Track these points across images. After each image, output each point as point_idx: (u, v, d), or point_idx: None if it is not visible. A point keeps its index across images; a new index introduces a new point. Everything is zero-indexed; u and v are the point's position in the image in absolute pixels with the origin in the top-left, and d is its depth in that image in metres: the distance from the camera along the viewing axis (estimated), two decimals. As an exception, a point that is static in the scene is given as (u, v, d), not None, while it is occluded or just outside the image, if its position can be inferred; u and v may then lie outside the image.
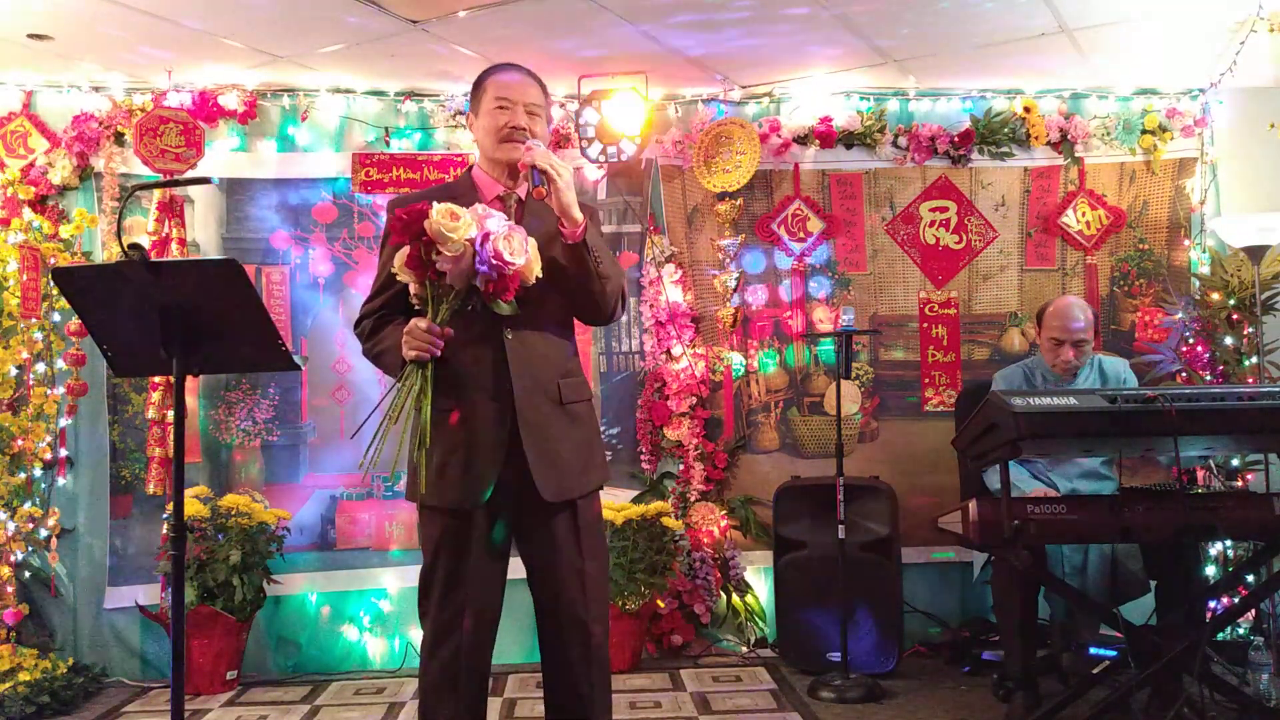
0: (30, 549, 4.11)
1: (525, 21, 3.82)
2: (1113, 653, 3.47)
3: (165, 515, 4.16)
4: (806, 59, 4.34)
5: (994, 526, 3.01)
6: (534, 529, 2.41)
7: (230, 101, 4.38)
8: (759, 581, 4.57)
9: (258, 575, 4.07)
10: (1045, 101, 4.67)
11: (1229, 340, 4.27)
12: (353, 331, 2.53)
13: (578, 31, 3.97)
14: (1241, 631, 4.04)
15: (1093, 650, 3.59)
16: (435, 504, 2.37)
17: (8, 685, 3.72)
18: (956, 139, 4.60)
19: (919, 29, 4.02)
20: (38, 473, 4.17)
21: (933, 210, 4.68)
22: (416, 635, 3.06)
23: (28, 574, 4.15)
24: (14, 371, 4.09)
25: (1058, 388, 3.55)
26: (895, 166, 4.68)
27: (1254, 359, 4.19)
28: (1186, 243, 4.64)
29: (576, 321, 2.54)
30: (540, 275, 2.25)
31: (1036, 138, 4.62)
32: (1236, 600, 3.55)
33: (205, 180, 2.95)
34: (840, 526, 3.87)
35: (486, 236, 2.13)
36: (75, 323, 4.08)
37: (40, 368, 4.17)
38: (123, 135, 4.30)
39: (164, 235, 4.23)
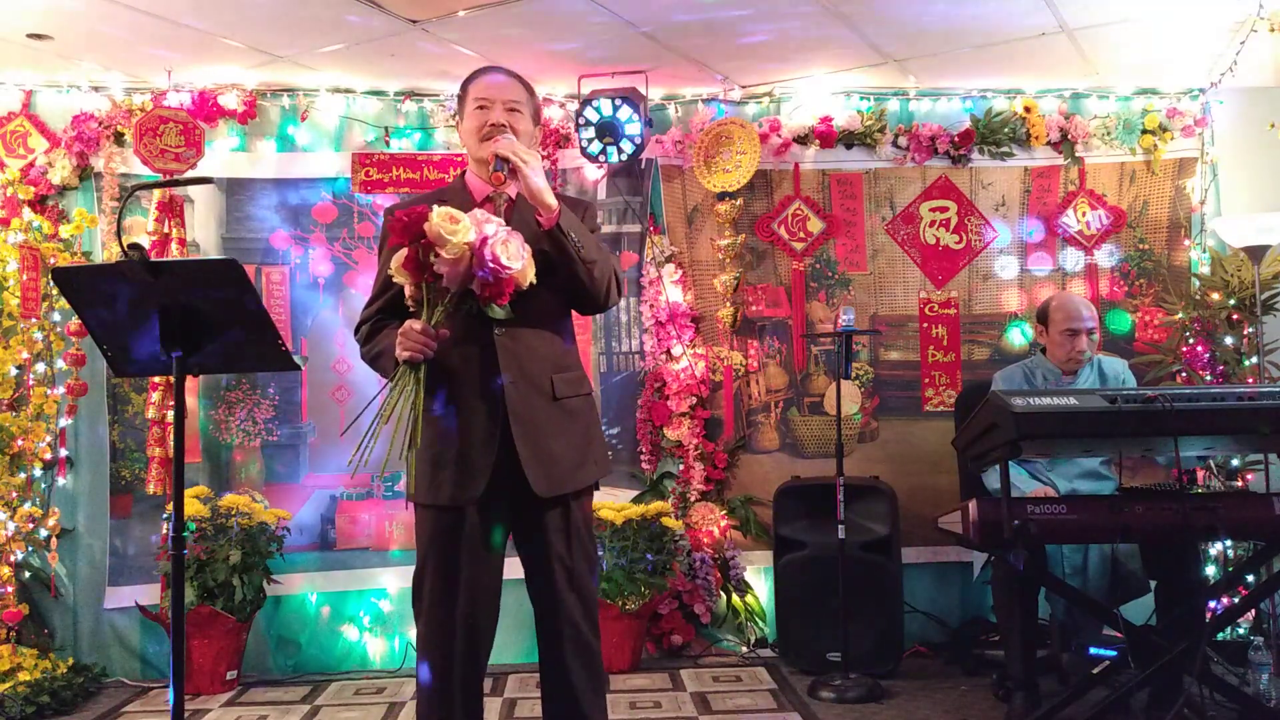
0: (30, 549, 4.11)
1: (525, 21, 3.82)
2: (1113, 653, 3.46)
3: (165, 515, 4.16)
4: (807, 59, 4.34)
5: (994, 526, 3.00)
6: (528, 526, 2.42)
7: (230, 101, 4.38)
8: (759, 581, 4.57)
9: (258, 575, 4.06)
10: (1045, 101, 4.67)
11: (1229, 340, 4.27)
12: (353, 335, 2.55)
13: (577, 31, 3.97)
14: (1241, 631, 4.04)
15: (1093, 650, 3.58)
16: (429, 502, 2.38)
17: (8, 685, 3.72)
18: (957, 139, 4.60)
19: (919, 28, 4.02)
20: (38, 473, 4.17)
21: (933, 210, 4.68)
22: (415, 635, 3.06)
23: (28, 574, 4.15)
24: (14, 371, 4.10)
25: (1058, 387, 3.55)
26: (895, 166, 4.68)
27: (1254, 359, 4.19)
28: (1186, 243, 4.64)
29: (576, 319, 2.55)
30: (534, 280, 2.26)
31: (1037, 137, 4.62)
32: (1236, 600, 3.55)
33: (205, 180, 2.95)
34: (840, 526, 3.87)
35: (485, 240, 2.15)
36: (75, 323, 4.08)
37: (40, 368, 4.18)
38: (123, 135, 4.30)
39: (164, 235, 4.23)
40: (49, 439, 4.17)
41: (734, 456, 4.61)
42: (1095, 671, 3.30)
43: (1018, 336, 4.62)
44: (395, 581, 4.40)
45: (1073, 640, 3.67)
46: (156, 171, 4.16)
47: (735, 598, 4.51)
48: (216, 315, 2.20)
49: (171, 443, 3.29)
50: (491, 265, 2.15)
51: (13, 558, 4.04)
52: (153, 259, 2.15)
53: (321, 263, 4.48)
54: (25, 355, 4.12)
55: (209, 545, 4.02)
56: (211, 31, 3.87)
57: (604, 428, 4.52)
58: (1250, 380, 4.16)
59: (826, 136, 4.61)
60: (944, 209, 4.68)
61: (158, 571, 4.17)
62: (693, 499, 4.53)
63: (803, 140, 4.64)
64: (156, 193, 4.24)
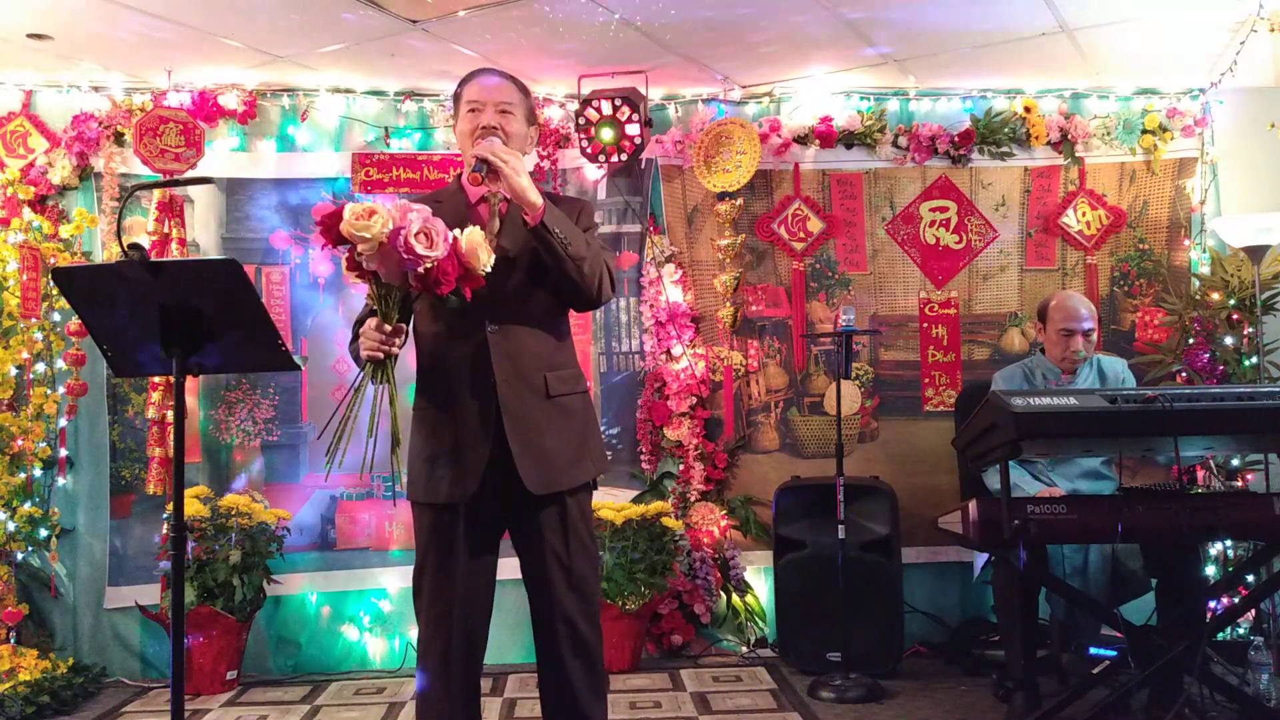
0: (30, 549, 4.11)
1: (525, 21, 3.83)
2: (1113, 653, 3.47)
3: (165, 515, 4.16)
4: (807, 59, 4.34)
5: (994, 526, 3.00)
6: (522, 525, 2.42)
7: (230, 101, 4.38)
8: (759, 581, 4.57)
9: (258, 575, 4.06)
10: (1045, 101, 4.67)
11: (1229, 340, 4.27)
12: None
13: (577, 31, 3.97)
14: (1241, 631, 4.04)
15: (1093, 650, 3.59)
16: (424, 500, 2.40)
17: (8, 685, 3.72)
18: (957, 139, 4.60)
19: (919, 28, 4.02)
20: (38, 473, 4.17)
21: (933, 210, 4.68)
22: (416, 635, 3.06)
23: (28, 574, 4.15)
24: (14, 371, 4.09)
25: (1058, 387, 3.55)
26: (895, 166, 4.68)
27: (1254, 359, 4.19)
28: (1186, 243, 4.64)
29: (575, 319, 2.56)
30: (489, 269, 2.20)
31: (1037, 137, 4.62)
32: (1236, 600, 3.55)
33: (205, 180, 2.95)
34: (840, 526, 3.86)
35: (398, 232, 2.07)
36: (75, 323, 4.08)
37: (40, 368, 4.17)
38: (122, 135, 4.30)
39: (164, 235, 4.23)
40: (49, 439, 4.17)
41: (734, 456, 4.61)
42: (1095, 671, 3.30)
43: (1017, 336, 4.62)
44: (395, 581, 4.40)
45: (1073, 640, 3.67)
46: (156, 171, 4.16)
47: (735, 598, 4.51)
48: (216, 315, 2.20)
49: (171, 443, 3.29)
50: (407, 256, 2.08)
51: (13, 558, 4.04)
52: (153, 259, 2.14)
53: (321, 263, 4.47)
54: (25, 355, 4.12)
55: (209, 545, 4.01)
56: (211, 31, 3.87)
57: (604, 428, 4.52)
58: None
59: (826, 136, 4.61)
60: (944, 209, 4.68)
61: (158, 571, 4.17)
62: (693, 499, 4.53)
63: (803, 140, 4.64)
64: (156, 193, 4.24)
